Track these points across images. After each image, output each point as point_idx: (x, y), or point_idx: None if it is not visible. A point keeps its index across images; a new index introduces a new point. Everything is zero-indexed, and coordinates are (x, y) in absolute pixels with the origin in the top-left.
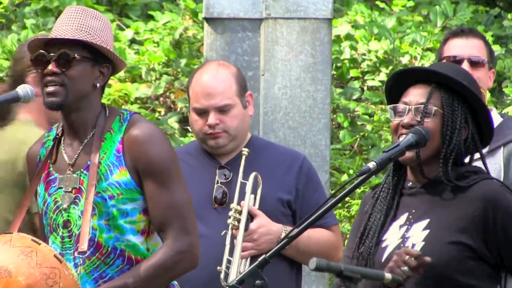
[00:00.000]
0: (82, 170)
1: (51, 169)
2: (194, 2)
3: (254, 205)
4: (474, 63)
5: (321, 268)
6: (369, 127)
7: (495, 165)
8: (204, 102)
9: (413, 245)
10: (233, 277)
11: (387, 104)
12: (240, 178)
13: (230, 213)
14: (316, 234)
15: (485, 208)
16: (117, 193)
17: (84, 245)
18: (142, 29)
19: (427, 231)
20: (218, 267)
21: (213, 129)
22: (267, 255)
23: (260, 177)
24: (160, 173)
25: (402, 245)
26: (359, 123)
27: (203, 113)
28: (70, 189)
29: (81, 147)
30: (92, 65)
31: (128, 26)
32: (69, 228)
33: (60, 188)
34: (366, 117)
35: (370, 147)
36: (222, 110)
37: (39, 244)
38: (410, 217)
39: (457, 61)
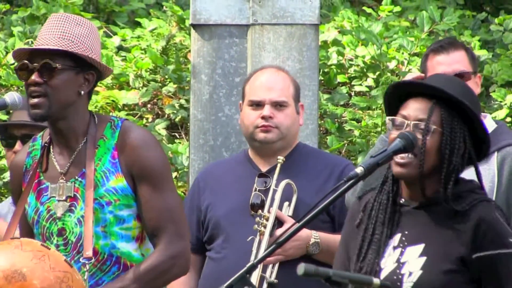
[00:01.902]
0: (76, 177)
1: (42, 178)
2: (181, 8)
3: (288, 212)
4: (460, 78)
5: (309, 274)
6: (356, 132)
7: (489, 170)
8: (262, 95)
9: (410, 274)
10: (253, 282)
11: (385, 111)
12: (273, 186)
13: (257, 219)
14: None
15: (478, 228)
16: (114, 199)
17: (89, 251)
18: (129, 36)
19: (423, 258)
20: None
21: (266, 122)
22: (256, 261)
23: (294, 184)
24: (154, 177)
25: (397, 270)
26: (346, 128)
27: (258, 106)
28: (64, 198)
29: (73, 155)
30: (76, 73)
31: (115, 33)
32: (65, 236)
33: (53, 197)
34: (354, 122)
35: (357, 152)
36: (278, 105)
37: (49, 248)
38: (404, 238)
39: None
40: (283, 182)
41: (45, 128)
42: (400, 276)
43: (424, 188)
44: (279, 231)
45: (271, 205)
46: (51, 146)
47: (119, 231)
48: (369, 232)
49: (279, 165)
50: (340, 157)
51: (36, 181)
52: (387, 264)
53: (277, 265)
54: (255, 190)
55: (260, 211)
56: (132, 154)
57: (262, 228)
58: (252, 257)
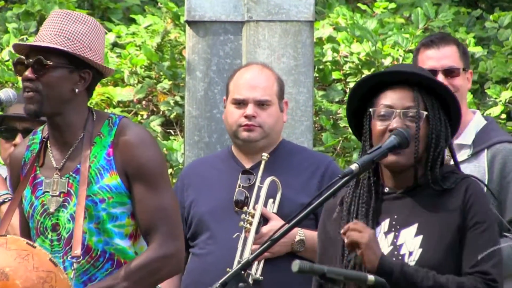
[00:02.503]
0: (71, 173)
1: (38, 172)
2: (176, 5)
3: (273, 209)
4: (449, 73)
5: (304, 270)
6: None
7: (479, 168)
8: (245, 93)
9: (410, 253)
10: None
11: (347, 106)
12: (257, 183)
13: (243, 216)
14: None
15: (465, 196)
16: (107, 197)
17: (77, 250)
18: (124, 32)
19: (420, 237)
20: (228, 269)
21: (249, 121)
22: (250, 258)
23: (279, 181)
24: (150, 176)
25: (395, 252)
26: (341, 125)
27: (242, 104)
28: (57, 193)
29: (69, 151)
30: (70, 71)
31: (110, 30)
32: (58, 232)
33: (47, 191)
34: None
35: (352, 149)
36: (261, 104)
37: (35, 247)
38: (394, 223)
39: (432, 73)
40: (268, 179)
41: (45, 122)
42: (400, 257)
43: (416, 174)
44: (264, 228)
45: (256, 202)
46: (48, 141)
47: (112, 228)
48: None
49: (263, 162)
50: (323, 154)
51: (32, 175)
52: (383, 248)
53: (262, 262)
54: (239, 187)
55: (245, 208)
56: (127, 152)
57: (248, 225)
58: (238, 254)
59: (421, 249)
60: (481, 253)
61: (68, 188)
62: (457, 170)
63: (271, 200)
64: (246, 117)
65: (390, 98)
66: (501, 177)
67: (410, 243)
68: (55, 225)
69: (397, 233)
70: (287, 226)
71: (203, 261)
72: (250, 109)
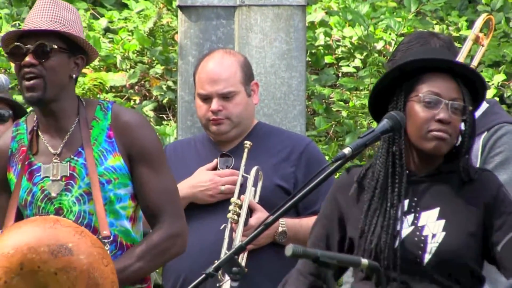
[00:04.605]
0: (72, 157)
1: (33, 159)
2: None
3: (254, 198)
4: None
5: (297, 255)
6: (344, 113)
7: (476, 150)
8: (208, 88)
9: (434, 235)
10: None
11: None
12: (241, 172)
13: (230, 207)
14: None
15: (491, 194)
16: (113, 178)
17: (106, 230)
18: (116, 18)
19: (443, 221)
20: (215, 261)
21: (216, 115)
22: (243, 242)
23: (261, 171)
24: (153, 158)
25: (417, 233)
26: (334, 109)
27: (207, 99)
28: (58, 178)
29: (66, 136)
30: (68, 56)
31: (102, 15)
32: (62, 215)
33: (46, 177)
34: (341, 103)
35: (345, 133)
36: (226, 96)
37: (80, 226)
38: (413, 204)
39: None
40: (254, 169)
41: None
42: (422, 238)
43: (446, 160)
44: (252, 220)
45: (242, 192)
46: (39, 129)
47: (119, 210)
48: (379, 201)
49: (246, 151)
50: (301, 135)
51: (26, 163)
52: (403, 227)
53: (246, 254)
54: (217, 170)
55: (232, 198)
56: (129, 134)
57: (235, 217)
58: (225, 246)
59: (444, 233)
60: None
61: (71, 172)
62: (471, 164)
63: (253, 189)
64: (212, 112)
65: (437, 86)
66: (488, 152)
67: (433, 226)
68: (58, 209)
69: (417, 215)
70: (283, 209)
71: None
72: (214, 104)
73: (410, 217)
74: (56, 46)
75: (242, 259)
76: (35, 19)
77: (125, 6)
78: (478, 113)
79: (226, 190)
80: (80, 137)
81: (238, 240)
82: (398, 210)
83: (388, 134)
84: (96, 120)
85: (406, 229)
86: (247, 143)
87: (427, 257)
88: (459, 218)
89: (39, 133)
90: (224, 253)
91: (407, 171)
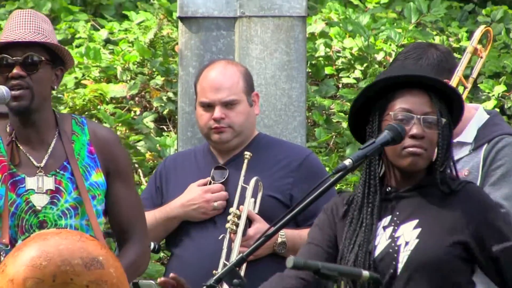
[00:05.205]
0: (57, 170)
1: (15, 170)
2: (168, 1)
3: (254, 209)
4: None
5: (298, 266)
6: (344, 124)
7: (477, 161)
8: (211, 96)
9: (407, 243)
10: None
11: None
12: (241, 182)
13: (229, 217)
14: None
15: (475, 206)
16: (97, 193)
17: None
18: (116, 29)
19: (418, 229)
20: (214, 271)
21: (218, 123)
22: (244, 254)
23: (261, 181)
24: (128, 174)
25: (392, 244)
26: (334, 120)
27: (209, 107)
28: (44, 191)
29: (49, 149)
30: (51, 68)
31: (102, 26)
32: (46, 229)
33: (31, 189)
34: (342, 114)
35: (346, 144)
36: (228, 105)
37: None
38: (395, 218)
39: None
40: (253, 180)
41: None
42: (396, 248)
43: (426, 174)
44: (251, 231)
45: (240, 202)
46: (18, 141)
47: (99, 225)
48: (357, 223)
49: (246, 161)
50: (302, 147)
51: (7, 173)
52: (380, 241)
53: (244, 264)
54: (210, 183)
55: (231, 208)
56: (109, 150)
57: (234, 227)
58: (223, 255)
59: (417, 240)
60: None
61: (56, 185)
62: (455, 177)
63: (252, 200)
64: (214, 119)
65: (408, 102)
66: (490, 164)
67: (408, 235)
68: (43, 222)
69: (396, 227)
70: (284, 220)
71: (184, 260)
72: (217, 112)
73: (388, 231)
74: (43, 58)
75: (241, 269)
76: (18, 30)
77: (126, 17)
78: (478, 125)
79: (219, 206)
80: (63, 150)
81: (236, 250)
82: (376, 228)
83: (389, 145)
84: (75, 134)
85: (383, 243)
86: (247, 154)
87: (400, 267)
88: (438, 228)
89: (18, 144)
90: (222, 263)
91: (389, 188)
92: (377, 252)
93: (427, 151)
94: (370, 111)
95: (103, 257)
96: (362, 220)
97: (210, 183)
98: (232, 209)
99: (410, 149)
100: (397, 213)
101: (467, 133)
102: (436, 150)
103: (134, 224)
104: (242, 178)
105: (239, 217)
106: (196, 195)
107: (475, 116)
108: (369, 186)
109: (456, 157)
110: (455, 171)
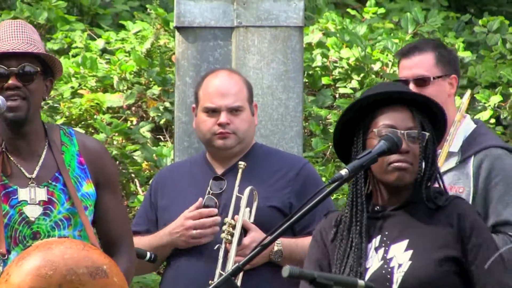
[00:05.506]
0: (50, 181)
1: (7, 181)
2: (165, 11)
3: (249, 218)
4: (419, 83)
5: (294, 275)
6: None
7: (466, 175)
8: (217, 102)
9: (400, 265)
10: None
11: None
12: (235, 192)
13: (224, 227)
14: (308, 242)
15: (461, 221)
16: (89, 204)
17: None
18: (113, 38)
19: (410, 251)
20: (210, 281)
21: (223, 128)
22: (240, 263)
23: (256, 191)
24: (115, 185)
25: (385, 265)
26: (331, 130)
27: (214, 112)
28: (37, 202)
29: (40, 160)
30: (43, 78)
31: (99, 36)
32: (39, 239)
33: (24, 200)
34: None
35: None
36: (234, 111)
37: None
38: (384, 239)
39: (405, 82)
40: (248, 189)
41: None
42: (389, 269)
43: (413, 191)
44: (246, 240)
45: (235, 212)
46: (8, 152)
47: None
48: (348, 244)
49: (240, 171)
50: (298, 156)
51: None
52: (373, 263)
53: (241, 273)
54: (209, 193)
55: (226, 218)
56: (99, 162)
57: (229, 237)
58: (219, 265)
59: (410, 262)
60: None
61: (49, 196)
62: (443, 191)
63: (247, 209)
64: (219, 124)
65: (391, 118)
66: (487, 182)
67: (400, 257)
68: (36, 233)
69: (387, 248)
70: (280, 230)
71: (180, 270)
72: (223, 117)
73: (380, 252)
74: (38, 69)
75: (238, 279)
76: (11, 41)
77: (122, 27)
78: (466, 134)
79: (197, 235)
80: (54, 161)
81: (232, 260)
82: (365, 248)
83: (385, 155)
84: (65, 145)
85: (375, 264)
86: (241, 164)
87: None
88: (428, 247)
89: (9, 155)
90: (218, 273)
91: (377, 207)
92: (369, 273)
93: (413, 165)
94: (354, 131)
95: (107, 266)
96: (352, 240)
97: (208, 193)
98: (227, 219)
99: (396, 164)
100: (386, 233)
101: (454, 142)
102: (423, 164)
103: (123, 235)
104: (236, 188)
105: (234, 227)
106: (178, 222)
107: (462, 125)
108: (356, 205)
109: (442, 169)
110: (443, 185)
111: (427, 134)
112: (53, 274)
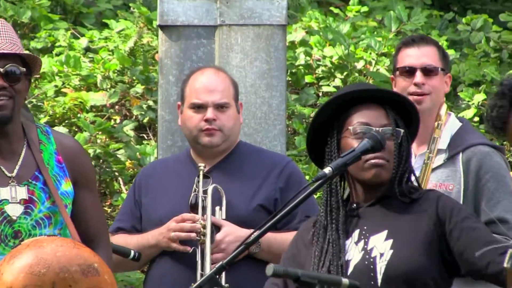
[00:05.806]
0: (30, 180)
1: None
2: (148, 10)
3: (221, 216)
4: (427, 72)
5: (278, 274)
6: None
7: (455, 172)
8: (204, 98)
9: (382, 254)
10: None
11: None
12: (201, 192)
13: (195, 228)
14: (287, 236)
15: (438, 205)
16: (68, 203)
17: None
18: (96, 37)
19: (390, 241)
20: (193, 284)
21: (210, 124)
22: (224, 261)
23: (220, 187)
24: (93, 183)
25: (367, 256)
26: None
27: (200, 108)
28: (18, 200)
29: (20, 159)
30: (26, 78)
31: (82, 35)
32: (21, 238)
33: (5, 199)
34: None
35: None
36: (220, 107)
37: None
38: (363, 232)
39: (410, 71)
40: (210, 188)
41: None
42: (371, 259)
43: (388, 187)
44: (218, 235)
45: (204, 212)
46: None
47: (69, 234)
48: (325, 241)
49: (201, 173)
50: (281, 154)
51: None
52: (354, 255)
53: (224, 272)
54: (195, 191)
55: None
56: (77, 160)
57: (202, 237)
58: (198, 267)
59: (391, 251)
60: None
61: (29, 195)
62: (417, 186)
63: (217, 208)
64: (206, 120)
65: (365, 116)
66: (477, 179)
67: (381, 246)
68: (17, 232)
69: (366, 240)
70: (264, 228)
71: (164, 269)
72: (210, 113)
73: (360, 244)
74: (24, 69)
75: (221, 278)
76: None
77: (106, 25)
78: (452, 132)
79: (174, 237)
80: (34, 160)
81: (208, 258)
82: (343, 243)
83: (368, 153)
84: (42, 144)
85: (357, 256)
86: (201, 165)
87: (379, 278)
88: (407, 236)
89: None
90: (199, 274)
91: (354, 205)
92: (352, 265)
93: (389, 162)
94: (327, 133)
95: (98, 264)
96: (329, 237)
97: (195, 191)
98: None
99: (373, 161)
100: (365, 227)
101: (441, 139)
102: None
103: (101, 233)
104: (201, 189)
105: (204, 226)
106: (166, 224)
107: (448, 122)
108: (330, 204)
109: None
110: (417, 181)
111: (402, 131)
112: (46, 272)
